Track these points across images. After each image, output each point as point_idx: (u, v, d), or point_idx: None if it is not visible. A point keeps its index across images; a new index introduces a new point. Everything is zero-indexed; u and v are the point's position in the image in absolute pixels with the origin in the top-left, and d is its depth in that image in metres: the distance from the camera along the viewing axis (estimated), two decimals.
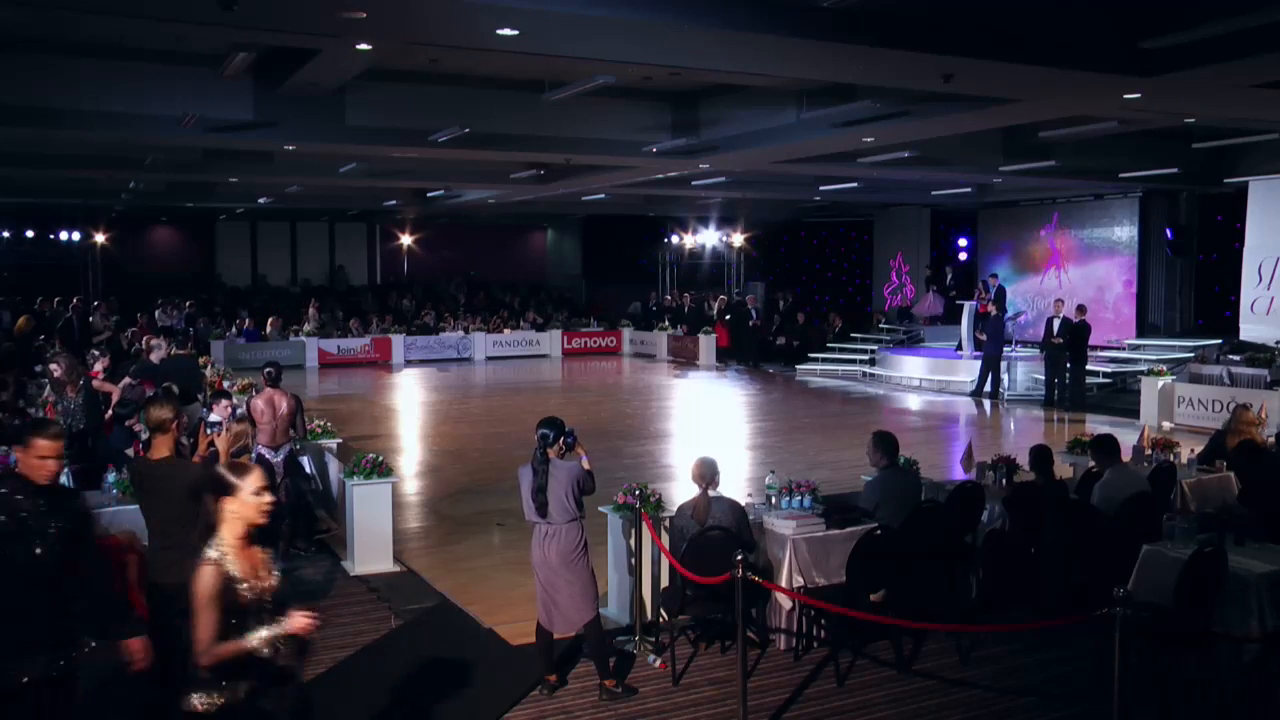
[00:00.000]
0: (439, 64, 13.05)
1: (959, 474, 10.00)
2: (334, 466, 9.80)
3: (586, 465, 6.10)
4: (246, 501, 3.75)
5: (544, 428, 5.99)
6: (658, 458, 13.53)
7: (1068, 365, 17.46)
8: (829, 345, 24.01)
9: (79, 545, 4.28)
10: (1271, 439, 9.98)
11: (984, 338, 18.40)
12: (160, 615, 5.36)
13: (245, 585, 3.69)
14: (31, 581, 4.12)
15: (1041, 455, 7.88)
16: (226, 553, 3.71)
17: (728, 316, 25.75)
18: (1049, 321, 17.87)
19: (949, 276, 24.32)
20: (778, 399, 19.78)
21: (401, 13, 7.89)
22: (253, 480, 3.80)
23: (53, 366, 10.21)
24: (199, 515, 5.30)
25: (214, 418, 8.94)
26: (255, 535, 3.81)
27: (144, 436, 9.05)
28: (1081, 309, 17.84)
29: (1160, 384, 15.81)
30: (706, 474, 6.67)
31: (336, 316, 26.70)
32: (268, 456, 8.58)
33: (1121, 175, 18.38)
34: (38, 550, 4.12)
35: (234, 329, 24.19)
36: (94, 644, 4.36)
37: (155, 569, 5.36)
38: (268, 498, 3.81)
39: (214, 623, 3.61)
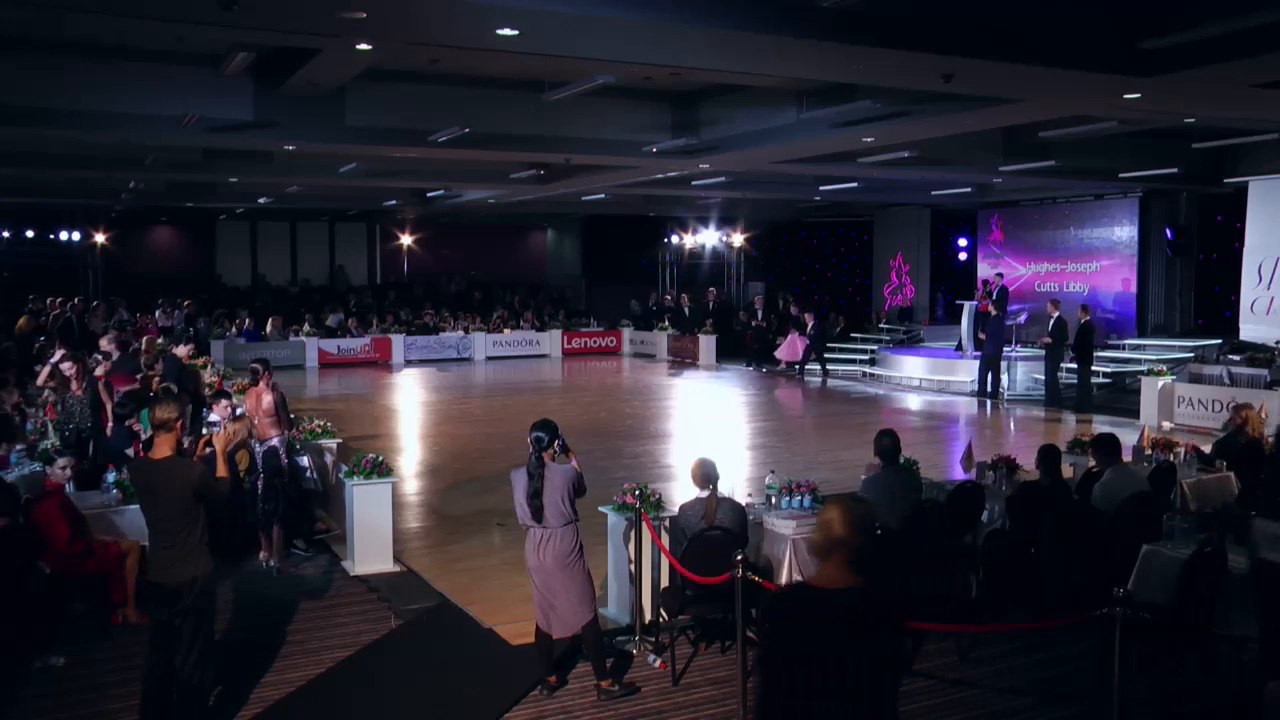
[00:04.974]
0: (439, 64, 13.04)
1: (959, 474, 10.00)
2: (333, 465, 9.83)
3: (578, 468, 6.09)
4: None
5: (538, 431, 5.94)
6: (657, 458, 13.52)
7: (1068, 365, 17.45)
8: (829, 345, 24.01)
9: None
10: (1271, 438, 9.98)
11: (983, 337, 18.39)
12: (161, 614, 5.35)
13: None
14: None
15: (1048, 455, 7.86)
16: None
17: (752, 320, 25.53)
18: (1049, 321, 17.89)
19: (810, 325, 22.73)
20: (778, 399, 19.77)
21: (401, 13, 7.89)
22: None
23: (65, 365, 10.19)
24: (200, 514, 5.31)
25: (214, 417, 8.96)
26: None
27: (144, 436, 9.08)
28: (1086, 309, 17.84)
29: (1160, 384, 15.81)
30: (711, 475, 6.66)
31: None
32: (256, 450, 8.55)
33: (1121, 175, 18.38)
34: None
35: (234, 329, 24.20)
36: None
37: (155, 568, 5.34)
38: None
39: None
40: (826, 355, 23.29)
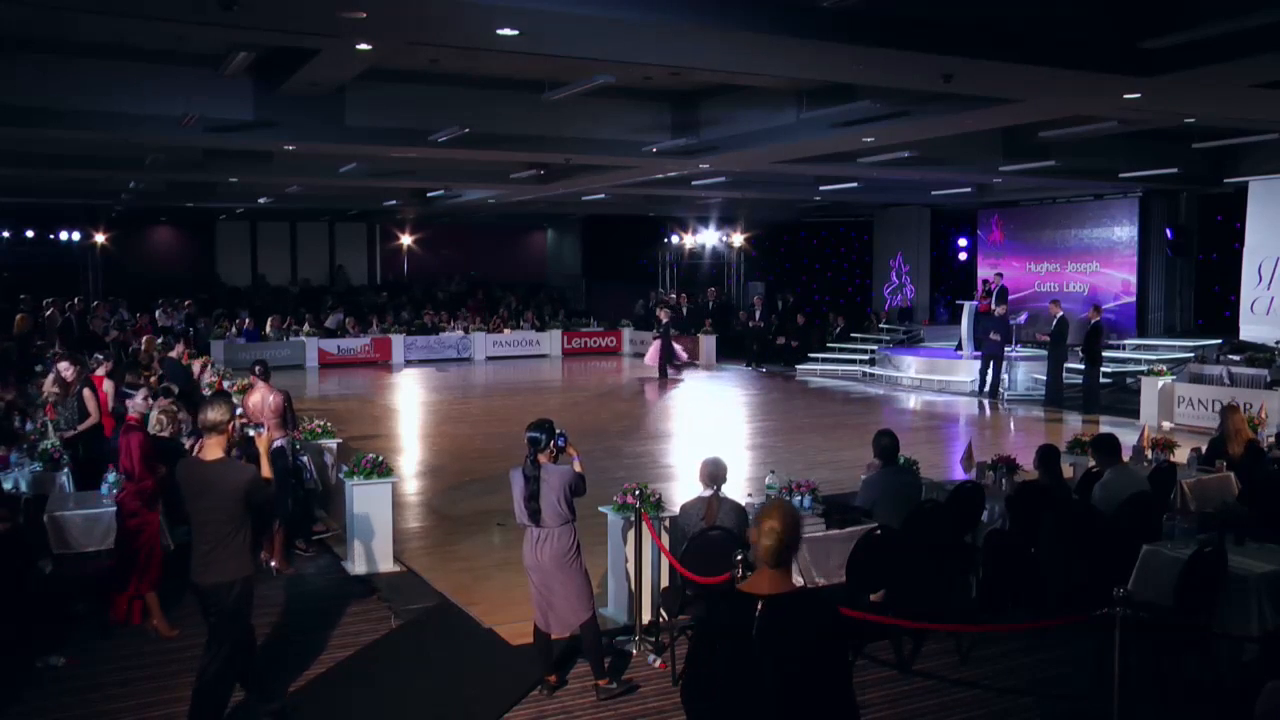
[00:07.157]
0: (439, 64, 13.04)
1: (959, 474, 10.00)
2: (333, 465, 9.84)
3: (578, 467, 6.06)
4: None
5: (534, 431, 5.91)
6: (657, 458, 13.52)
7: (1073, 365, 17.44)
8: (829, 345, 24.02)
9: None
10: (1272, 438, 9.98)
11: (997, 337, 18.17)
12: (209, 617, 5.35)
13: None
14: None
15: (1047, 455, 7.86)
16: None
17: (749, 320, 25.41)
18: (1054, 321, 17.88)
19: (663, 322, 22.16)
20: (778, 399, 19.77)
21: (401, 13, 7.89)
22: None
23: (63, 365, 10.15)
24: (246, 518, 5.30)
25: None
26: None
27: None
28: (1097, 309, 17.83)
29: (1160, 384, 15.81)
30: (718, 475, 6.65)
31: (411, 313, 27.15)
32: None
33: (1121, 175, 18.37)
34: None
35: (234, 329, 24.20)
36: None
37: (199, 569, 5.32)
38: None
39: None
40: (826, 355, 23.32)
